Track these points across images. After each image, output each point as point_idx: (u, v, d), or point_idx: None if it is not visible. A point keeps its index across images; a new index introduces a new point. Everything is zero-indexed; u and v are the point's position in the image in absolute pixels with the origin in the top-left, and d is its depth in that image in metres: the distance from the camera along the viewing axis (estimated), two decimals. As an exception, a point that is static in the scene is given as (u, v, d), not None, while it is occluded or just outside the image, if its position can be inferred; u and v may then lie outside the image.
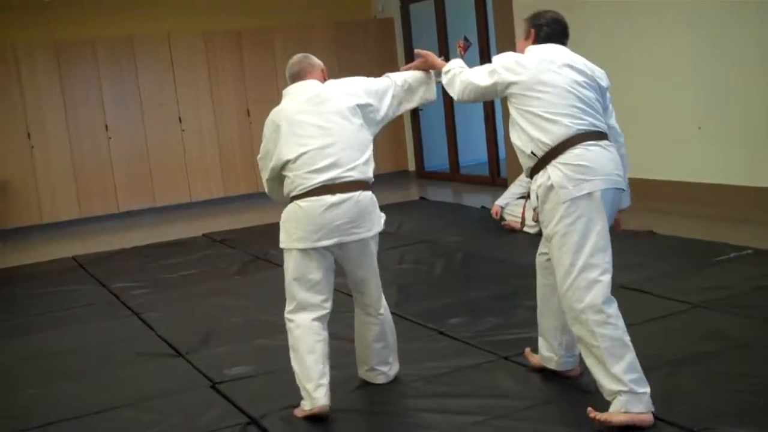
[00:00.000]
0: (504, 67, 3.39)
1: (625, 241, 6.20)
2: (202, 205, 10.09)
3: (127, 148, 9.83)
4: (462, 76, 3.56)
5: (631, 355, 3.14)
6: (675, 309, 4.48)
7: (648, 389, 3.14)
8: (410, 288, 5.49)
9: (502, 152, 9.58)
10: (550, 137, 3.24)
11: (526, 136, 3.32)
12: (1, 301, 6.23)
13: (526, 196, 7.15)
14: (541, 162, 3.27)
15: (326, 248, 3.46)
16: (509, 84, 3.35)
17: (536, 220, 6.73)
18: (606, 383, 3.13)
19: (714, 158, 6.83)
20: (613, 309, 3.18)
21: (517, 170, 8.17)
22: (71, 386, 4.21)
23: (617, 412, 3.11)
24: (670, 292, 4.76)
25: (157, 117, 9.93)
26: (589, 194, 3.17)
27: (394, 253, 6.38)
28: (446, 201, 9.28)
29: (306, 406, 3.45)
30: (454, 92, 3.59)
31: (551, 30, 3.50)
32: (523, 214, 6.87)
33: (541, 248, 3.57)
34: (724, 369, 3.63)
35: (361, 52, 10.99)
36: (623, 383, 3.09)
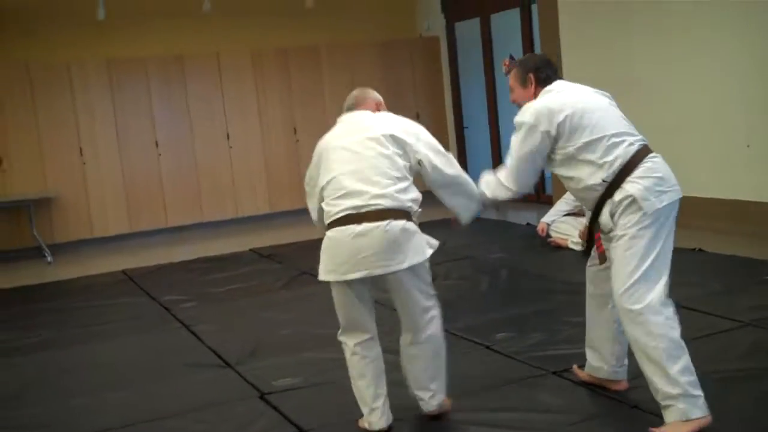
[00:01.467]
0: (539, 115, 3.33)
1: (674, 258, 6.16)
2: (249, 221, 10.20)
3: (176, 163, 9.99)
4: (499, 171, 3.51)
5: (687, 358, 3.16)
6: (726, 327, 4.43)
7: (702, 393, 3.13)
8: (456, 303, 5.49)
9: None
10: (619, 157, 3.25)
11: (590, 166, 3.29)
12: (53, 313, 6.35)
13: (572, 213, 7.14)
14: (614, 183, 3.25)
15: (357, 280, 3.30)
16: (558, 126, 3.29)
17: (582, 237, 6.71)
18: (663, 385, 3.12)
19: (763, 176, 6.73)
20: (671, 311, 3.22)
21: (563, 187, 8.14)
22: (120, 396, 4.28)
23: (678, 422, 3.10)
24: (721, 310, 4.71)
25: (205, 134, 10.09)
26: (668, 204, 3.23)
27: (439, 269, 6.39)
28: (491, 218, 9.26)
29: (365, 424, 3.47)
30: (508, 188, 3.51)
31: (549, 71, 3.51)
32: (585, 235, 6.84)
33: (592, 260, 3.58)
34: (777, 387, 3.58)
35: (407, 70, 11.06)
36: (681, 386, 3.09)
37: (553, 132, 3.31)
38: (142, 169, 9.82)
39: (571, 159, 3.33)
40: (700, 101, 7.17)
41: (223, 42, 10.33)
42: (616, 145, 3.27)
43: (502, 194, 3.53)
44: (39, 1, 9.07)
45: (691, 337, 4.24)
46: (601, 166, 3.26)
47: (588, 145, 3.28)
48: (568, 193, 7.25)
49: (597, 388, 3.69)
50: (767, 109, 6.62)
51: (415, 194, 3.37)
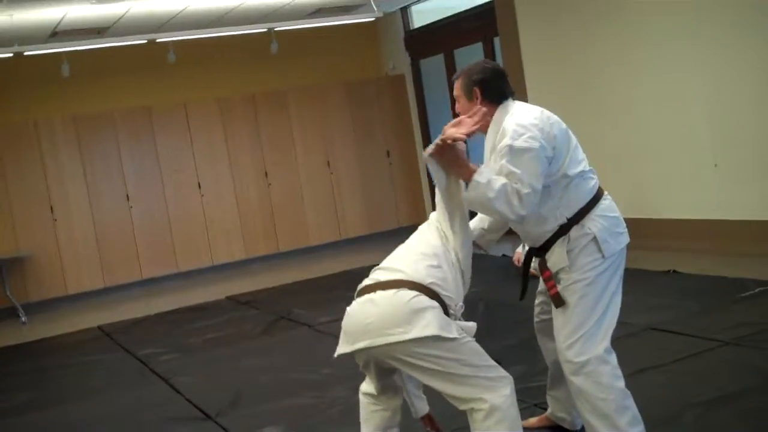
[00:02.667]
0: (532, 138, 2.93)
1: (649, 281, 6.21)
2: (224, 268, 10.14)
3: (148, 215, 9.94)
4: (506, 186, 2.88)
5: (634, 406, 3.04)
6: (705, 347, 4.45)
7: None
8: (436, 340, 5.47)
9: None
10: (584, 195, 3.06)
11: (553, 201, 3.03)
12: (30, 374, 6.25)
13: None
14: (574, 219, 3.04)
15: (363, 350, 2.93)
16: (551, 147, 2.98)
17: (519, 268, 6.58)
18: None
19: (731, 194, 6.82)
20: (614, 358, 3.06)
21: (535, 217, 8.19)
22: (103, 455, 4.22)
23: None
24: (699, 330, 4.72)
25: (176, 184, 10.06)
26: (622, 249, 3.09)
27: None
28: (467, 251, 9.27)
29: None
30: (511, 211, 2.89)
31: (500, 83, 3.13)
32: None
33: (546, 307, 3.36)
34: (761, 405, 3.59)
35: (375, 109, 11.13)
36: None
37: (550, 152, 2.99)
38: (114, 223, 9.76)
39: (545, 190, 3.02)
40: (666, 122, 7.25)
41: (190, 91, 10.35)
42: (585, 180, 3.07)
43: (513, 215, 2.93)
44: (3, 61, 9.04)
45: (670, 360, 4.29)
46: (564, 202, 3.05)
47: (566, 179, 3.04)
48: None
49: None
50: (733, 127, 6.72)
51: (439, 273, 2.92)
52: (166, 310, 8.04)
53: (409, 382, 3.22)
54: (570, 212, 3.05)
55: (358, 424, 3.58)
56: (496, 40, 9.42)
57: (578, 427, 3.52)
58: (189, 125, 10.15)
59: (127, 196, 9.83)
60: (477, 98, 3.09)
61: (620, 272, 3.13)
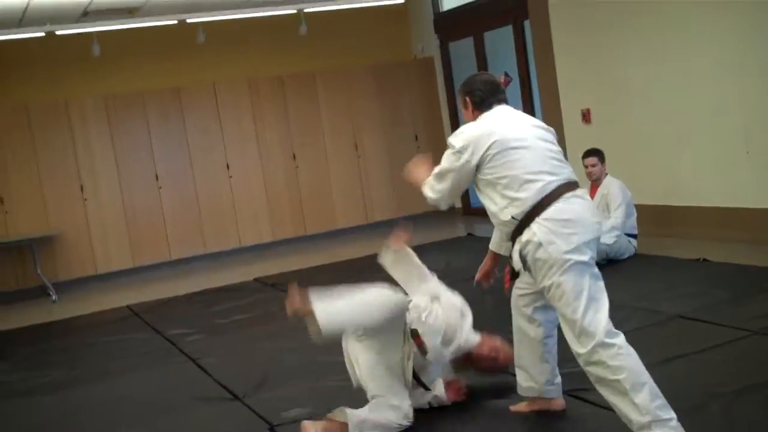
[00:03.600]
0: (467, 143, 3.39)
1: (679, 269, 6.16)
2: (252, 250, 10.20)
3: (177, 196, 10.01)
4: (429, 180, 3.60)
5: (650, 382, 3.13)
6: (734, 336, 4.41)
7: (673, 414, 3.11)
8: (462, 325, 5.47)
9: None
10: (530, 196, 3.27)
11: (504, 200, 3.34)
12: (59, 352, 6.34)
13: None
14: (524, 221, 3.28)
15: None
16: (481, 155, 3.35)
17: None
18: (635, 416, 3.09)
19: (763, 182, 6.72)
20: (620, 340, 3.19)
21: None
22: (131, 433, 4.27)
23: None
24: (729, 319, 4.68)
25: (205, 165, 10.11)
26: (576, 247, 3.22)
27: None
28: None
29: None
30: (429, 194, 3.62)
31: (484, 92, 3.56)
32: None
33: (518, 284, 3.61)
34: (789, 396, 3.56)
35: (403, 92, 11.10)
36: (650, 413, 3.06)
37: (474, 162, 3.38)
38: (143, 204, 9.84)
39: (489, 187, 3.39)
40: (697, 108, 7.17)
41: (219, 72, 10.38)
42: (529, 182, 3.29)
43: (427, 195, 3.63)
44: (34, 41, 9.12)
45: (698, 349, 4.25)
46: (512, 201, 3.30)
47: (504, 179, 3.32)
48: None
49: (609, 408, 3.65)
50: (766, 114, 6.62)
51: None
52: (194, 290, 8.10)
53: None
54: (516, 212, 3.29)
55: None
56: (526, 23, 9.35)
57: (550, 396, 3.69)
58: (218, 106, 10.19)
59: (157, 176, 9.90)
60: (468, 106, 3.59)
61: (586, 268, 3.25)
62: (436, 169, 3.55)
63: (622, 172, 7.16)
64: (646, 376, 3.13)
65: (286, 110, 10.50)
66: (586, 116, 8.38)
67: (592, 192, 6.96)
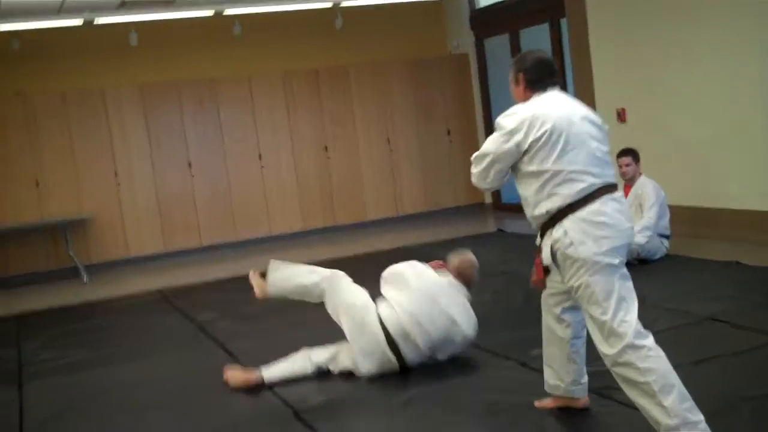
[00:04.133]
0: (521, 123, 3.24)
1: (711, 271, 6.10)
2: (282, 239, 10.25)
3: (210, 184, 10.08)
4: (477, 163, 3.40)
5: (679, 384, 3.08)
6: (765, 341, 4.35)
7: (701, 416, 3.07)
8: (490, 319, 5.46)
9: (580, 184, 9.48)
10: (570, 194, 3.19)
11: (541, 192, 3.24)
12: (90, 333, 6.41)
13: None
14: (557, 216, 3.21)
15: None
16: (535, 139, 3.21)
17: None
18: (662, 418, 3.04)
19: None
20: (650, 341, 3.14)
21: (596, 202, 8.09)
22: (159, 416, 4.30)
23: None
24: (760, 324, 4.62)
25: (237, 154, 10.18)
26: (608, 250, 3.16)
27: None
28: (523, 233, 9.21)
29: None
30: (476, 179, 3.43)
31: (540, 71, 3.39)
32: None
33: (548, 282, 3.49)
34: (820, 403, 3.51)
35: (437, 88, 11.08)
36: (679, 415, 3.02)
37: (524, 146, 3.23)
38: (175, 190, 9.92)
39: (530, 176, 3.27)
40: (734, 109, 7.08)
41: (254, 64, 10.44)
42: (572, 181, 3.19)
43: (475, 183, 3.47)
44: (73, 30, 9.23)
45: (730, 352, 4.21)
46: (550, 196, 3.21)
47: (547, 173, 3.21)
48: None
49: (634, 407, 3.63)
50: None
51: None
52: (224, 277, 8.16)
53: None
54: (552, 207, 3.21)
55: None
56: (563, 22, 9.29)
57: (576, 395, 3.64)
58: (252, 97, 10.24)
59: (189, 164, 9.98)
60: (521, 83, 3.41)
61: (616, 270, 3.20)
62: (478, 152, 3.38)
63: (657, 172, 7.09)
64: (674, 377, 3.08)
65: (320, 103, 10.53)
66: (621, 115, 8.32)
67: (626, 191, 6.91)
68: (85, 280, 8.94)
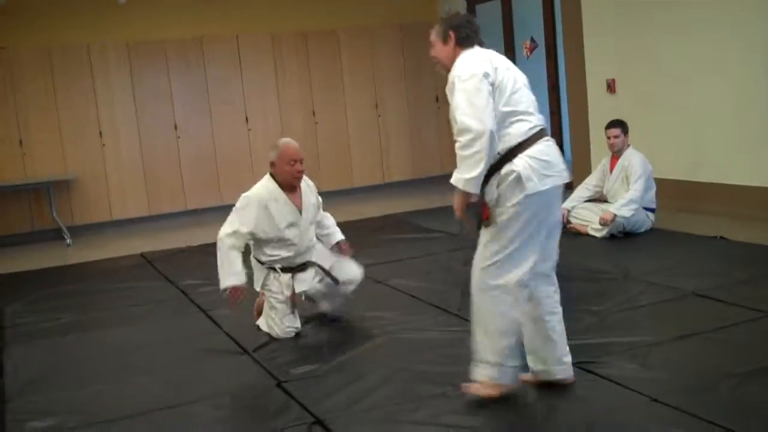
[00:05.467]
0: (485, 66, 3.38)
1: (696, 247, 6.10)
2: (267, 204, 10.17)
3: (195, 146, 9.99)
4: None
5: (517, 338, 3.47)
6: (748, 317, 4.36)
7: (518, 363, 3.49)
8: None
9: (567, 154, 9.46)
10: (518, 134, 3.37)
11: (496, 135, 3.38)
12: (71, 297, 6.37)
13: (593, 200, 7.07)
14: (506, 156, 3.36)
15: None
16: (498, 81, 3.39)
17: (603, 224, 6.66)
18: (485, 352, 3.45)
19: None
20: (525, 294, 3.43)
21: (583, 173, 8.07)
22: (139, 382, 4.28)
23: (487, 382, 3.49)
24: (744, 300, 4.63)
25: (224, 117, 10.08)
26: (547, 190, 3.37)
27: (458, 255, 6.36)
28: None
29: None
30: (476, 129, 3.27)
31: (470, 31, 3.57)
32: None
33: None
34: (801, 380, 3.52)
35: (427, 53, 10.91)
36: (502, 357, 3.43)
37: (495, 83, 3.38)
38: (161, 152, 9.84)
39: None
40: (726, 84, 7.05)
41: (242, 25, 10.29)
42: (521, 120, 3.39)
43: (472, 158, 3.29)
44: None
45: (712, 327, 4.21)
46: (501, 137, 3.35)
47: (501, 114, 3.36)
48: (588, 179, 7.18)
49: (619, 383, 3.64)
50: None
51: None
52: (208, 242, 8.10)
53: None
54: (504, 147, 3.36)
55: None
56: (556, -11, 9.20)
57: (555, 376, 3.66)
58: (240, 58, 10.12)
59: (175, 125, 9.88)
60: (451, 41, 3.59)
61: (543, 216, 3.40)
62: (466, 111, 3.29)
63: (644, 145, 7.08)
64: (517, 331, 3.46)
65: (308, 66, 10.42)
66: (611, 86, 8.27)
67: (613, 163, 6.89)
68: (68, 242, 8.88)
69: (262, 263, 4.85)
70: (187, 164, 9.96)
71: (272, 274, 4.80)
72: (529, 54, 10.16)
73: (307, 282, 4.81)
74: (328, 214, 5.14)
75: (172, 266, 7.11)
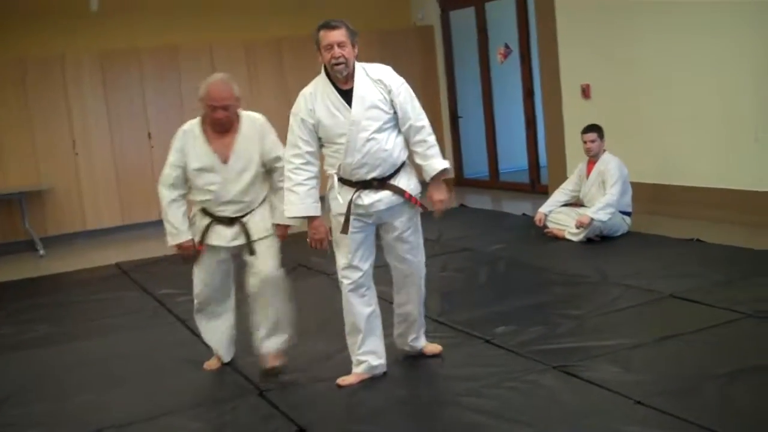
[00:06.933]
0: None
1: (673, 249, 6.14)
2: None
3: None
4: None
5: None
6: (727, 318, 4.39)
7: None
8: (454, 296, 5.46)
9: (543, 159, 9.51)
10: None
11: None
12: (46, 308, 6.29)
13: (569, 204, 7.11)
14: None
15: None
16: None
17: (579, 226, 6.70)
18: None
19: (766, 165, 6.66)
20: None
21: (559, 178, 8.11)
22: (119, 393, 4.23)
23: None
24: (722, 301, 4.67)
25: (198, 125, 10.00)
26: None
27: (436, 261, 6.34)
28: (486, 208, 9.23)
29: None
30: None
31: None
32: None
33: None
34: (781, 381, 3.55)
35: (401, 60, 10.92)
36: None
37: None
38: (134, 161, 9.74)
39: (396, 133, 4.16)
40: (701, 88, 7.06)
41: (216, 34, 10.24)
42: None
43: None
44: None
45: (692, 329, 4.24)
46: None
47: None
48: (565, 184, 7.22)
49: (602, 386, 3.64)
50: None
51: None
52: (183, 251, 8.03)
53: None
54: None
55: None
56: (529, -5, 9.25)
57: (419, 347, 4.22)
58: (214, 67, 10.04)
59: (149, 134, 9.80)
60: (356, 48, 4.00)
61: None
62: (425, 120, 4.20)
63: (620, 149, 7.12)
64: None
65: (283, 73, 10.39)
66: (585, 91, 8.32)
67: (589, 168, 6.93)
68: (41, 253, 8.77)
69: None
70: (160, 173, 9.86)
71: (195, 219, 4.36)
72: (503, 60, 10.21)
73: (223, 239, 4.23)
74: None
75: (148, 276, 7.04)
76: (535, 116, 9.70)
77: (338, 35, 3.89)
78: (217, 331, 4.44)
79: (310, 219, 3.95)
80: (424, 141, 4.07)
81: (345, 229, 3.88)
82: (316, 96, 3.98)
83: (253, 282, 4.23)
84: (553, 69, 8.70)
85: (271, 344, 4.23)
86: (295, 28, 10.56)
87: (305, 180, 3.90)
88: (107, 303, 6.28)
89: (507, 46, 10.10)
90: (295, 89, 10.53)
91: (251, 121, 4.36)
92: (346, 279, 3.96)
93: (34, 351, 5.14)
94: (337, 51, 3.87)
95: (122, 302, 6.25)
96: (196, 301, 4.43)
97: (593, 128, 6.89)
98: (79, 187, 9.51)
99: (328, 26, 3.93)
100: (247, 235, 4.20)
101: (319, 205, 3.95)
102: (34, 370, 4.77)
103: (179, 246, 4.28)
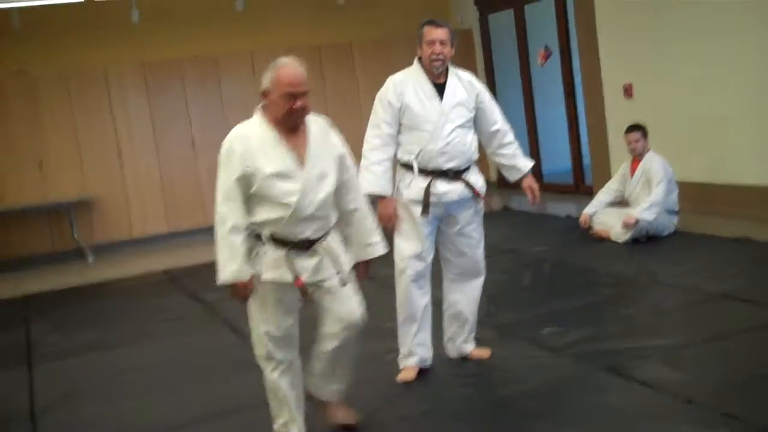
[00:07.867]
0: None
1: (722, 249, 6.04)
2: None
3: (214, 162, 9.84)
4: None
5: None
6: (778, 318, 4.33)
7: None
8: (499, 298, 5.44)
9: (586, 159, 9.43)
10: None
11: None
12: (94, 315, 6.40)
13: (614, 204, 7.04)
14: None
15: None
16: None
17: (625, 227, 6.63)
18: None
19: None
20: None
21: (603, 178, 8.04)
22: (166, 398, 4.29)
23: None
24: (772, 300, 4.60)
25: (241, 132, 10.09)
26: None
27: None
28: (530, 210, 9.17)
29: None
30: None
31: None
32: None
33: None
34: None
35: (440, 63, 10.98)
36: None
37: None
38: (179, 169, 9.87)
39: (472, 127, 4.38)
40: (743, 85, 6.99)
41: (257, 41, 10.34)
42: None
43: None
44: (74, 7, 9.14)
45: (743, 330, 4.18)
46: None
47: None
48: (609, 184, 7.15)
49: (652, 386, 3.60)
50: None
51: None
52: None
53: None
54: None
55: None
56: (569, -4, 9.20)
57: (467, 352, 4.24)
58: (255, 74, 10.15)
59: (193, 142, 9.92)
60: (453, 48, 4.17)
61: None
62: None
63: (665, 148, 7.04)
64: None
65: (323, 80, 10.45)
66: (628, 91, 8.24)
67: (633, 167, 6.87)
68: (90, 261, 8.91)
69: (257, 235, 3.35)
70: (205, 180, 9.97)
71: (259, 249, 3.33)
72: (543, 62, 10.15)
73: (308, 271, 3.34)
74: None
75: (195, 282, 7.11)
76: (577, 117, 9.62)
77: (441, 33, 4.09)
78: (297, 387, 3.58)
79: (381, 198, 4.01)
80: (513, 142, 4.37)
81: (425, 211, 3.99)
82: (407, 84, 4.17)
83: (334, 330, 3.49)
84: (594, 69, 8.63)
85: (333, 389, 3.63)
86: (334, 34, 10.62)
87: (383, 160, 4.05)
88: (155, 309, 6.37)
89: (547, 48, 10.03)
90: (334, 96, 10.74)
91: (314, 118, 3.56)
92: (410, 269, 4.03)
93: (82, 357, 5.24)
94: (438, 47, 4.09)
95: (171, 308, 6.33)
96: (264, 350, 3.56)
97: (636, 127, 6.82)
98: (125, 196, 9.65)
99: (434, 24, 4.12)
100: (335, 262, 3.38)
101: (392, 186, 4.06)
102: (82, 376, 4.86)
103: (239, 284, 3.32)
